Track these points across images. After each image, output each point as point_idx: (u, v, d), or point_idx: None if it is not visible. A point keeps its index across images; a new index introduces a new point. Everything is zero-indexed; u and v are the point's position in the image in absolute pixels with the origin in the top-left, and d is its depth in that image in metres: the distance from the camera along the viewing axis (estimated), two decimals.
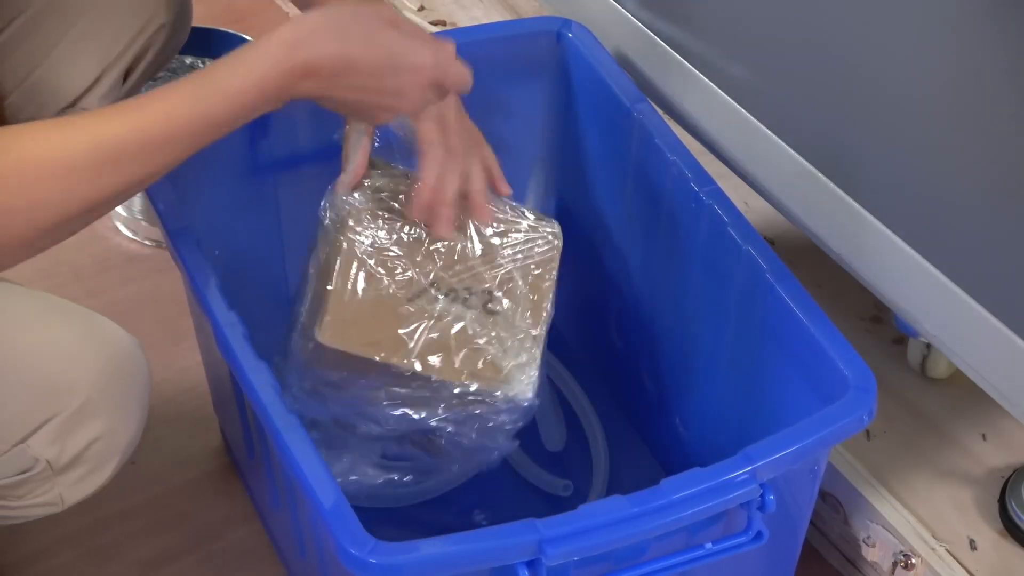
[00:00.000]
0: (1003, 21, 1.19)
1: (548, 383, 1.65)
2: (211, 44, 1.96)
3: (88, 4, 1.40)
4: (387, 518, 1.54)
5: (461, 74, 1.25)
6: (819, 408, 1.30)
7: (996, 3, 1.20)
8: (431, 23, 2.05)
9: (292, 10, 2.24)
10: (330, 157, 1.47)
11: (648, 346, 1.61)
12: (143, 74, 1.46)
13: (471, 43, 1.56)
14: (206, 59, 1.97)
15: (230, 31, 1.97)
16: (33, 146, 1.11)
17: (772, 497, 1.24)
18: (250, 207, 1.55)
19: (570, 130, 1.64)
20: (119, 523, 1.64)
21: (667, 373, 1.60)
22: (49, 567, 1.60)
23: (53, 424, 1.33)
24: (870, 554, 1.51)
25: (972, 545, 1.47)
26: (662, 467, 1.62)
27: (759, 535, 1.26)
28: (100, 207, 1.16)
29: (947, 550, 1.47)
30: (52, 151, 1.11)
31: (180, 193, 1.42)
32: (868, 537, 1.50)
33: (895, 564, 1.48)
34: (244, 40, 1.96)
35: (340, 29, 1.15)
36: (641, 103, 1.55)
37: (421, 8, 2.08)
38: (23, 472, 1.35)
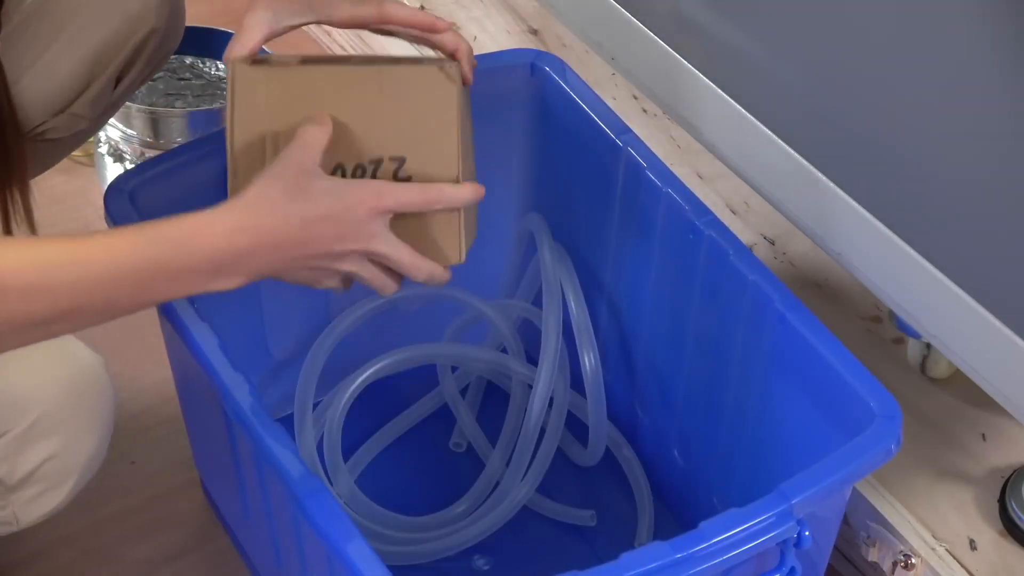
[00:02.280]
0: (1003, 21, 1.20)
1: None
2: (211, 44, 1.95)
3: (77, 10, 1.39)
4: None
5: (403, 191, 1.24)
6: (835, 438, 1.30)
7: (996, 4, 1.20)
8: None
9: None
10: None
11: (642, 381, 1.62)
12: (135, 79, 1.45)
13: None
14: (206, 59, 1.97)
15: (230, 31, 1.96)
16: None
17: (808, 533, 1.24)
18: None
19: (550, 164, 1.64)
20: (118, 523, 1.64)
21: (661, 406, 1.60)
22: (49, 567, 1.60)
23: (3, 441, 1.32)
24: (870, 554, 1.51)
25: (972, 545, 1.47)
26: (663, 501, 1.63)
27: (792, 571, 1.26)
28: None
29: (947, 550, 1.47)
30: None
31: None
32: (868, 537, 1.51)
33: (895, 564, 1.48)
34: None
35: (289, 192, 1.18)
36: (626, 134, 1.54)
37: (421, 8, 2.07)
38: None
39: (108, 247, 1.14)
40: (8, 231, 1.31)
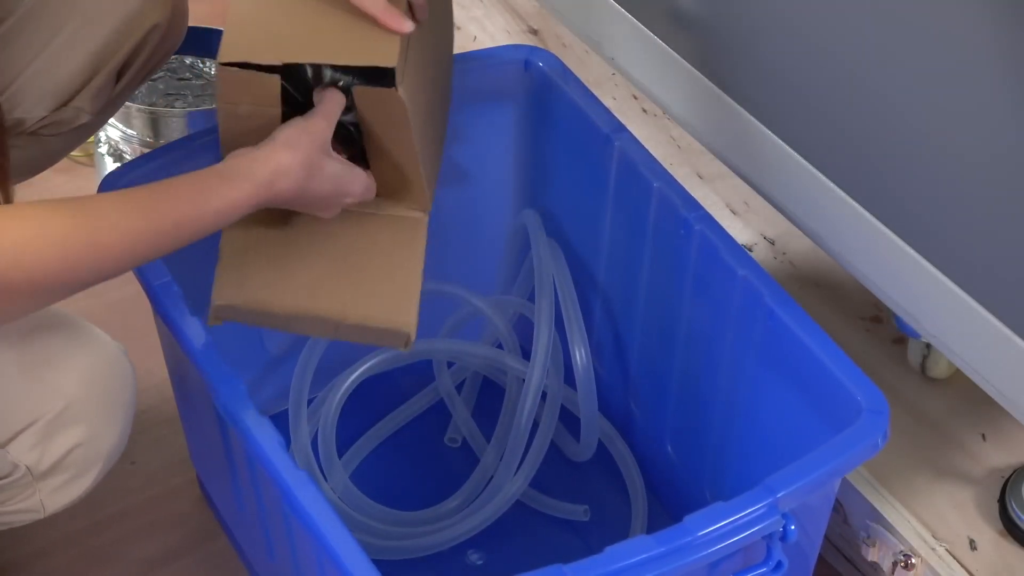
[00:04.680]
0: (1003, 20, 1.19)
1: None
2: (212, 44, 1.95)
3: (79, 4, 1.40)
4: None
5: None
6: (824, 432, 1.31)
7: (996, 3, 1.19)
8: None
9: None
10: None
11: (635, 375, 1.62)
12: (136, 74, 1.46)
13: None
14: (206, 59, 1.97)
15: None
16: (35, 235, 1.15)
17: (794, 527, 1.24)
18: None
19: (544, 160, 1.64)
20: (118, 523, 1.64)
21: (654, 400, 1.60)
22: (49, 567, 1.61)
23: (33, 429, 1.34)
24: (870, 554, 1.51)
25: (972, 545, 1.47)
26: (656, 496, 1.63)
27: (779, 565, 1.26)
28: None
29: (947, 550, 1.46)
30: (53, 245, 1.15)
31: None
32: (868, 537, 1.50)
33: (895, 564, 1.48)
34: None
35: (307, 169, 1.29)
36: (619, 130, 1.54)
37: None
38: (3, 478, 1.35)
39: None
40: None
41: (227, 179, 1.24)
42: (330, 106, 1.32)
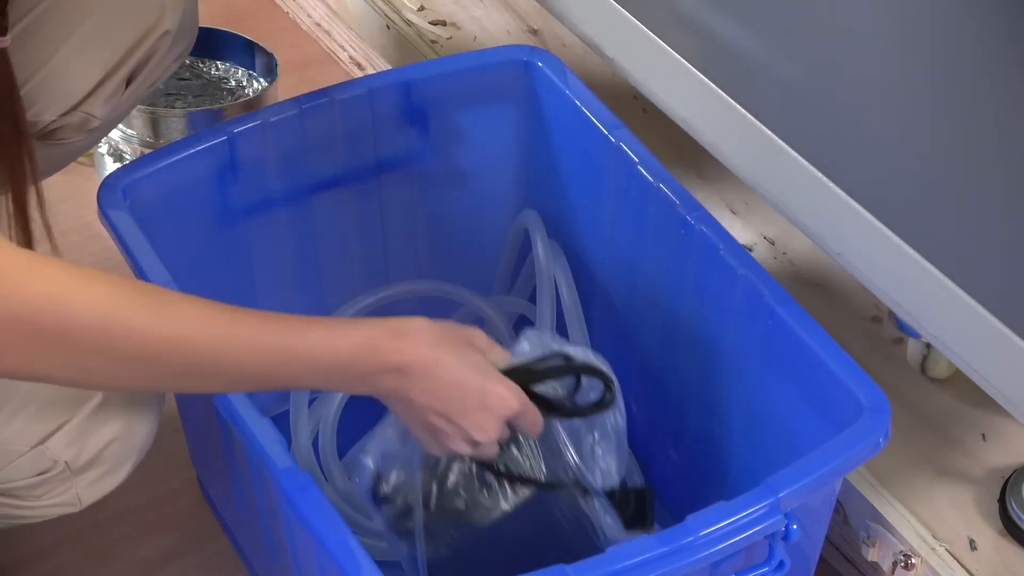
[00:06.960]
0: (1004, 19, 1.19)
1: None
2: (211, 44, 1.96)
3: (91, 9, 1.40)
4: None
5: (535, 420, 1.29)
6: (825, 432, 1.31)
7: (996, 3, 1.19)
8: (431, 23, 2.04)
9: (291, 10, 2.24)
10: (300, 201, 1.49)
11: (636, 376, 1.61)
12: (146, 80, 1.47)
13: (436, 77, 1.57)
14: (206, 59, 1.97)
15: (230, 31, 1.97)
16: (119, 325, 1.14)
17: (796, 527, 1.24)
18: (222, 254, 1.54)
19: (545, 160, 1.64)
20: (119, 523, 1.65)
21: (655, 401, 1.60)
22: (50, 567, 1.61)
23: (71, 425, 1.35)
24: (870, 554, 1.51)
25: (972, 545, 1.47)
26: (658, 497, 1.61)
27: (781, 564, 1.26)
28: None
29: (947, 550, 1.46)
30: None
31: (152, 240, 1.42)
32: (868, 537, 1.50)
33: (895, 564, 1.48)
34: (245, 40, 1.96)
35: (439, 335, 1.22)
36: (619, 130, 1.54)
37: (421, 8, 2.07)
38: (42, 473, 1.36)
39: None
40: (27, 233, 1.33)
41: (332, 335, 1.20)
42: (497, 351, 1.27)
